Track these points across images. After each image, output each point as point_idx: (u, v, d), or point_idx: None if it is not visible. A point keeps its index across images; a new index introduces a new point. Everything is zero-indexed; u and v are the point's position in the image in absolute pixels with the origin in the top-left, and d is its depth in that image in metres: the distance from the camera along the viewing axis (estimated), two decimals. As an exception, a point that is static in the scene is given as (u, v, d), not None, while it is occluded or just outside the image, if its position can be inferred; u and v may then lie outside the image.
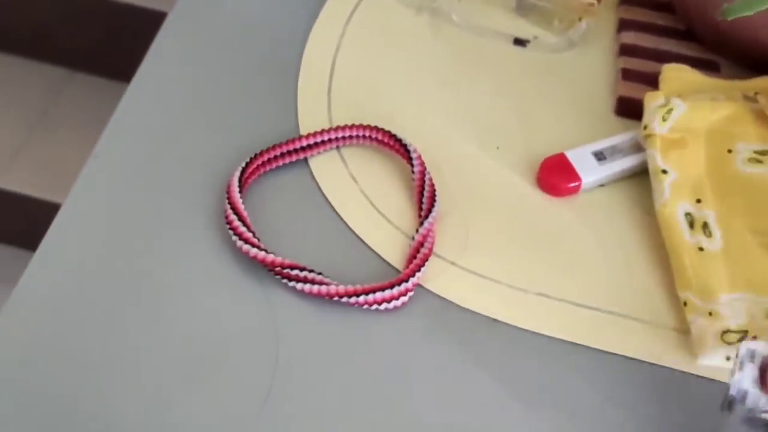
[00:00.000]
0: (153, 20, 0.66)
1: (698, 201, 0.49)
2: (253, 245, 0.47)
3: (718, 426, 0.40)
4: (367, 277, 0.47)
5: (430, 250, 0.48)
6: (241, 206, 0.48)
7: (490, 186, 0.52)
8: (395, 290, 0.46)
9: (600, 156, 0.52)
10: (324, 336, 0.45)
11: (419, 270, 0.47)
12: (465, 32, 0.60)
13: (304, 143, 0.52)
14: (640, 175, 0.52)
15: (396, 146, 0.52)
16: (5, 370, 0.44)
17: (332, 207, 0.51)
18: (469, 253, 0.49)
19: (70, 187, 0.50)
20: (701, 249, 0.48)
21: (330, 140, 0.52)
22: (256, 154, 0.51)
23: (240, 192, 0.49)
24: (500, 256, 0.49)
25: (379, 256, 0.49)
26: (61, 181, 0.75)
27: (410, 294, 0.46)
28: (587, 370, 0.45)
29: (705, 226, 0.48)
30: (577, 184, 0.51)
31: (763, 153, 0.51)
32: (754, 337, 0.44)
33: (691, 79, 0.55)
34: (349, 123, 0.53)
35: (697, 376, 0.45)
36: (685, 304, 0.46)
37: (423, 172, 0.51)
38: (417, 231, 0.48)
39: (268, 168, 0.51)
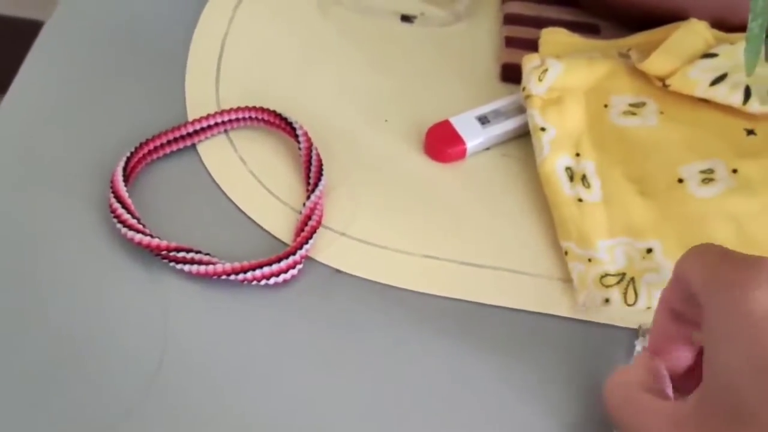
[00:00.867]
0: (32, 30, 0.65)
1: (577, 155, 0.51)
2: (138, 231, 0.47)
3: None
4: (259, 255, 0.47)
5: (319, 222, 0.49)
6: (124, 193, 0.48)
7: (378, 158, 0.53)
8: (283, 263, 0.46)
9: (484, 120, 0.53)
10: (213, 315, 0.45)
11: (306, 242, 0.47)
12: (353, 13, 0.61)
13: (191, 129, 0.52)
14: (525, 137, 0.54)
15: (282, 125, 0.53)
16: None
17: (221, 190, 0.51)
18: (358, 223, 0.50)
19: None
20: (580, 200, 0.49)
21: (217, 124, 0.53)
22: (141, 143, 0.51)
23: (127, 181, 0.49)
24: (388, 224, 0.50)
25: (270, 233, 0.49)
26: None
27: (299, 267, 0.47)
28: (478, 325, 0.46)
29: (584, 178, 0.50)
30: (461, 147, 0.52)
31: (636, 105, 0.53)
32: (632, 279, 0.45)
33: (568, 41, 0.56)
34: (237, 106, 0.53)
35: (583, 321, 0.46)
36: (566, 253, 0.47)
37: (309, 148, 0.51)
38: (304, 205, 0.49)
39: (155, 156, 0.52)
